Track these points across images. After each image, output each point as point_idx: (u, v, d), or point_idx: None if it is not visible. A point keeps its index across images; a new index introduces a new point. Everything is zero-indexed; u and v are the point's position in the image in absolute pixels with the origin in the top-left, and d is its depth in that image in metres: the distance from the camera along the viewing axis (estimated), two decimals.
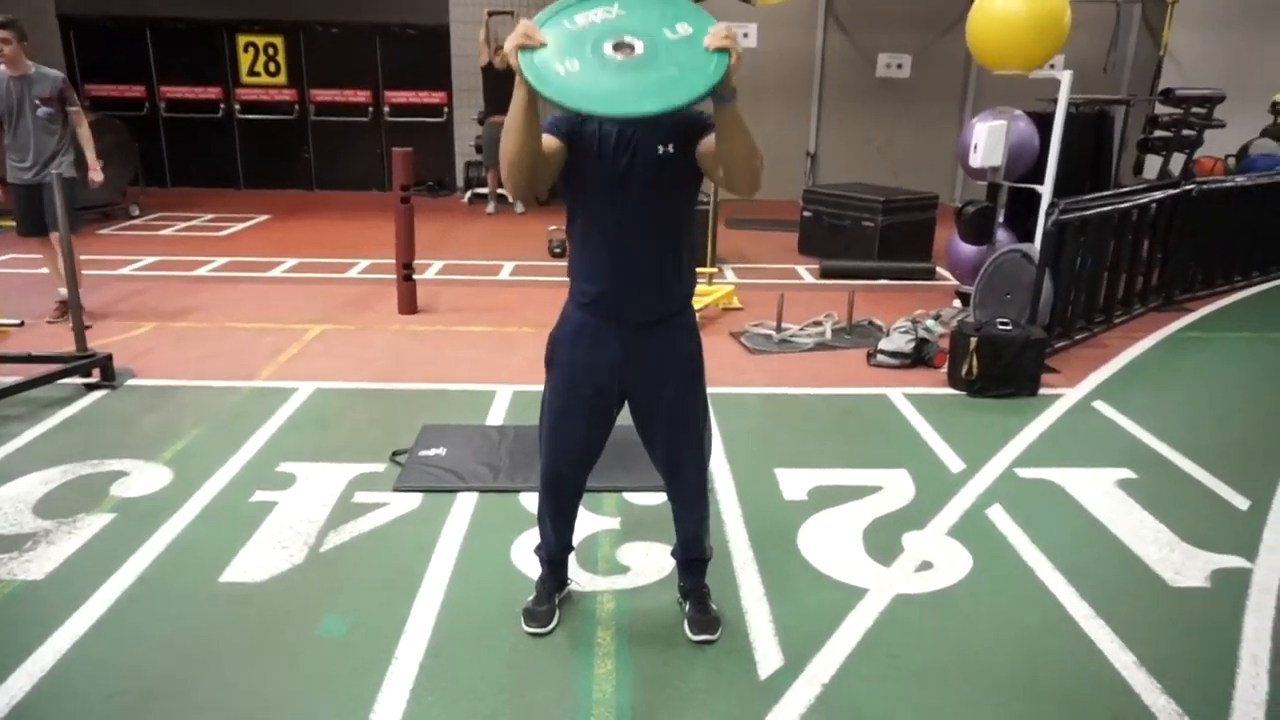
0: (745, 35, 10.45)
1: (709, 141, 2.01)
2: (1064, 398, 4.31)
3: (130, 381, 4.23)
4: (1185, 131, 6.85)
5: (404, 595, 2.58)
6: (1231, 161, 8.18)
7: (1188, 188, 5.88)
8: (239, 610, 2.51)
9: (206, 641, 2.37)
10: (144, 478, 3.27)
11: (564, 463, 2.33)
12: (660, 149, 2.05)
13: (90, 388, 4.10)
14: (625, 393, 2.25)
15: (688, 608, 2.47)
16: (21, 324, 4.90)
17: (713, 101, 1.89)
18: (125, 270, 6.54)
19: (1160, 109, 7.23)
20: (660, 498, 3.12)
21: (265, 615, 2.49)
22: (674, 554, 2.50)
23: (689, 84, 1.80)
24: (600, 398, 2.23)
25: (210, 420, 3.81)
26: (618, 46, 1.86)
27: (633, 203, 2.07)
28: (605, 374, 2.20)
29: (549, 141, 2.02)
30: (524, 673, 2.28)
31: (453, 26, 10.22)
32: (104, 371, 4.16)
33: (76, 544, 2.81)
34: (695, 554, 2.44)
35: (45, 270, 6.28)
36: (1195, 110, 6.80)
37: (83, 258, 5.87)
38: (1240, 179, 6.57)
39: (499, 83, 8.98)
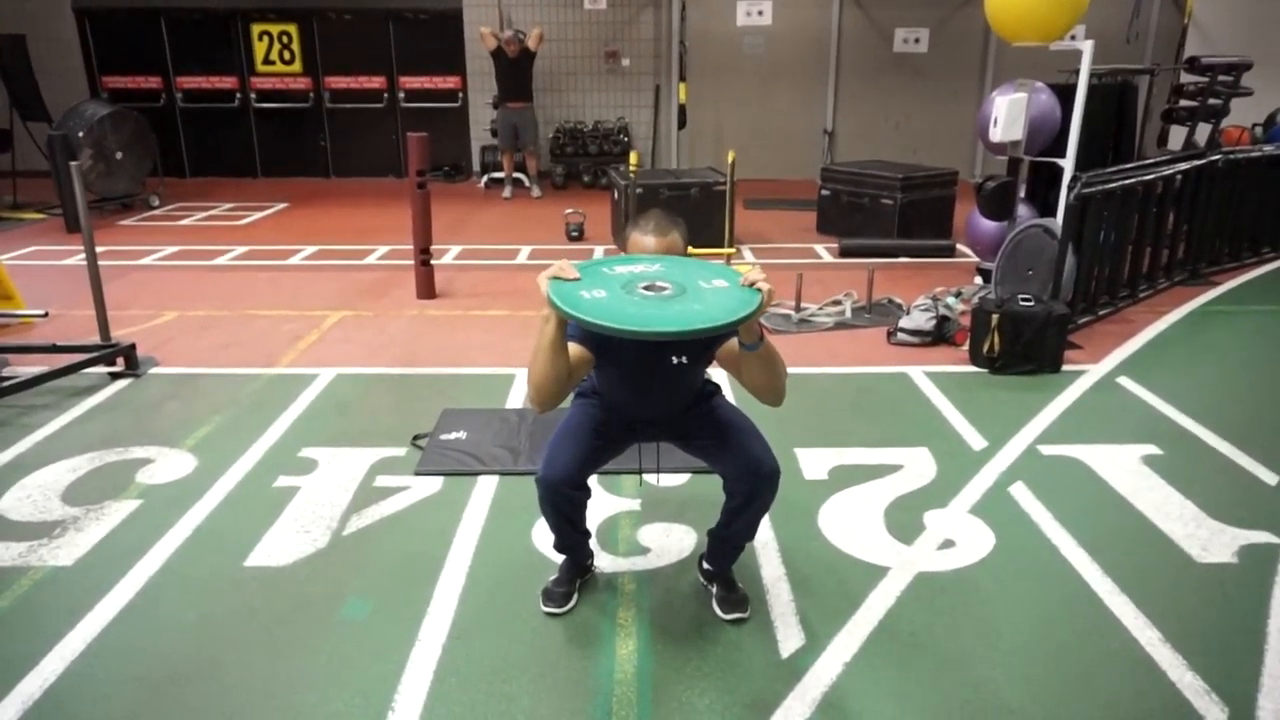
0: (760, 13, 10.36)
1: (730, 347, 2.12)
2: (1087, 374, 4.26)
3: (153, 370, 4.28)
4: (1211, 101, 6.69)
5: (426, 577, 2.60)
6: (1259, 130, 8.01)
7: (1213, 158, 5.77)
8: (264, 594, 2.54)
9: (232, 625, 2.40)
10: (168, 464, 3.31)
11: (556, 470, 2.24)
12: (675, 360, 2.18)
13: (114, 376, 4.15)
14: (652, 436, 2.44)
15: (715, 589, 2.47)
16: (46, 315, 4.96)
17: (739, 346, 2.03)
18: (146, 260, 6.60)
19: (1185, 78, 7.08)
20: (681, 478, 3.13)
21: (289, 598, 2.51)
22: (716, 535, 2.41)
23: (710, 315, 1.84)
24: (613, 429, 2.34)
25: (232, 407, 3.84)
26: (648, 287, 1.95)
27: (653, 388, 2.26)
28: (625, 422, 2.36)
29: (577, 351, 2.10)
30: (546, 653, 2.29)
31: (466, 11, 10.18)
32: (127, 360, 4.21)
33: (104, 530, 2.85)
34: (748, 539, 2.41)
35: (70, 262, 6.38)
36: (1221, 78, 6.64)
37: (104, 249, 5.93)
38: (1268, 148, 6.44)
39: (511, 67, 8.96)
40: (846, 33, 10.54)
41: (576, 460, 2.25)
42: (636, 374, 2.23)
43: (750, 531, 2.37)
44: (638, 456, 2.53)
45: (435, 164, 9.70)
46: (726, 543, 2.41)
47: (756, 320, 1.95)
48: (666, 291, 1.93)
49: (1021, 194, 5.44)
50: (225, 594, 2.54)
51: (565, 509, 2.32)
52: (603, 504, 3.01)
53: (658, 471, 2.62)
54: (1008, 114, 5.12)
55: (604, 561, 2.68)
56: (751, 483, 2.24)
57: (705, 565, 2.53)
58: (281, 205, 8.98)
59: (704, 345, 2.13)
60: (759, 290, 1.92)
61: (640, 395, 2.29)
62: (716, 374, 2.51)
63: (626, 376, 2.26)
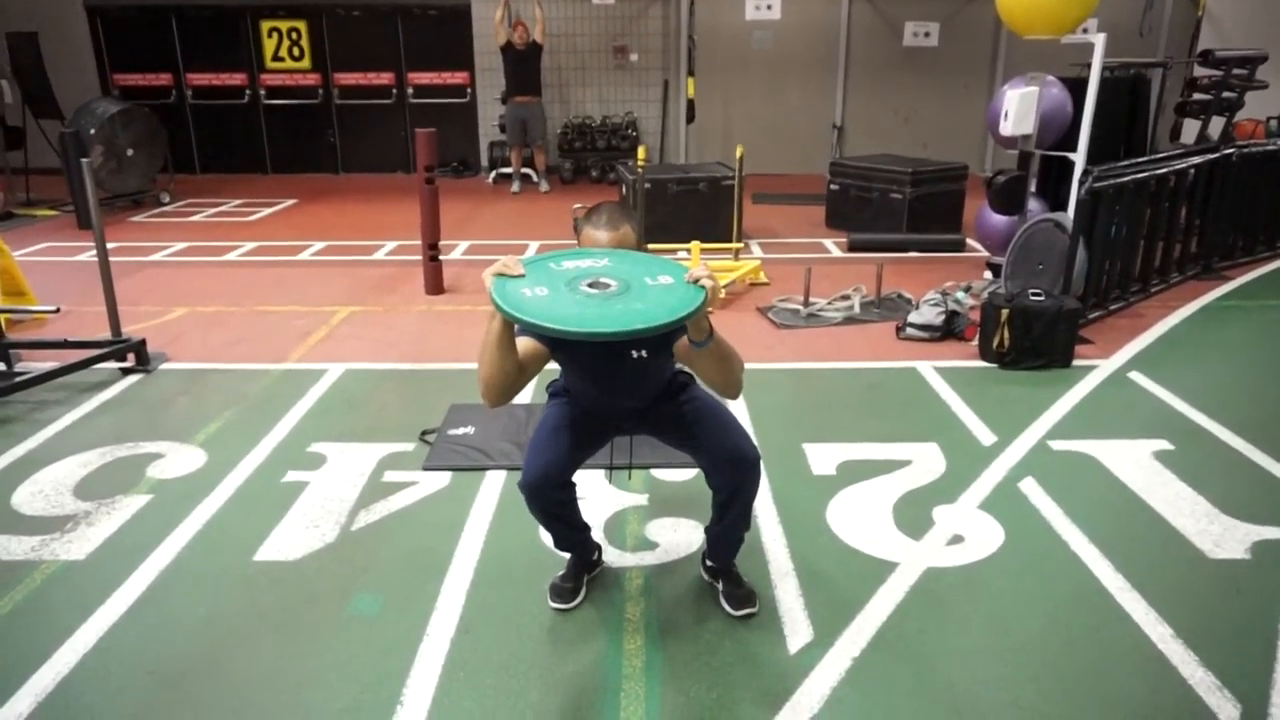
0: (769, 7, 10.31)
1: (684, 342, 2.06)
2: (1098, 369, 4.23)
3: (164, 366, 4.30)
4: (1225, 94, 6.63)
5: (434, 573, 2.60)
6: (1273, 124, 7.94)
7: (1227, 152, 5.72)
8: (273, 588, 2.55)
9: (241, 619, 2.41)
10: (179, 460, 3.32)
11: (533, 474, 2.22)
12: (635, 354, 2.15)
13: (125, 372, 4.18)
14: (628, 430, 2.40)
15: (721, 585, 2.46)
16: (58, 310, 4.98)
17: (689, 343, 1.99)
18: (157, 256, 6.63)
19: (1199, 71, 7.02)
20: (688, 474, 3.13)
21: (298, 593, 2.52)
22: (712, 532, 2.41)
23: (649, 314, 1.79)
24: (588, 426, 2.32)
25: (242, 402, 3.86)
26: (592, 284, 1.91)
27: (618, 383, 2.23)
28: (598, 418, 2.34)
29: (530, 346, 2.09)
30: (554, 648, 2.30)
31: (474, 6, 10.18)
32: (138, 356, 4.23)
33: (115, 525, 2.87)
34: (745, 529, 2.40)
35: (81, 258, 6.41)
36: (1236, 72, 6.58)
37: (115, 245, 5.97)
38: None
39: (519, 62, 8.95)
40: (856, 26, 10.49)
41: (553, 461, 2.23)
42: (598, 370, 2.21)
43: (745, 522, 2.36)
44: (609, 452, 2.48)
45: (444, 160, 9.72)
46: (724, 537, 2.39)
47: (704, 317, 1.92)
48: (610, 289, 1.89)
49: (1032, 188, 5.41)
50: (235, 589, 2.55)
51: (552, 509, 2.31)
52: (610, 499, 3.01)
53: (629, 468, 2.62)
54: (1019, 108, 5.09)
55: (611, 556, 2.68)
56: (733, 473, 2.23)
57: (708, 563, 2.53)
58: (291, 201, 9.01)
59: (662, 339, 2.08)
60: (702, 287, 1.88)
61: (607, 390, 2.27)
62: None
63: (589, 373, 2.24)
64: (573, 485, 2.32)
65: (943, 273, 5.88)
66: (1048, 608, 2.45)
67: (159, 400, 3.92)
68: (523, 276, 1.92)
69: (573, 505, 2.37)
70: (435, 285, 5.57)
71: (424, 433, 3.50)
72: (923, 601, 2.47)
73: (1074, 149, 4.98)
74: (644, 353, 2.15)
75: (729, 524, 2.34)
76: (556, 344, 2.11)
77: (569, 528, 2.41)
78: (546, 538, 2.74)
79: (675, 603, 2.48)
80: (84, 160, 4.34)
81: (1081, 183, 4.60)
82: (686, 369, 2.36)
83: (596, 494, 3.01)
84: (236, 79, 10.56)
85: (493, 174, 10.12)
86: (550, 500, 2.27)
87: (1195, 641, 2.28)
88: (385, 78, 10.58)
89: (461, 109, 10.61)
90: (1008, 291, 4.46)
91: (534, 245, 6.93)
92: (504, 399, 2.06)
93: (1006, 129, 5.18)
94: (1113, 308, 5.05)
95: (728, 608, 2.41)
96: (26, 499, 3.04)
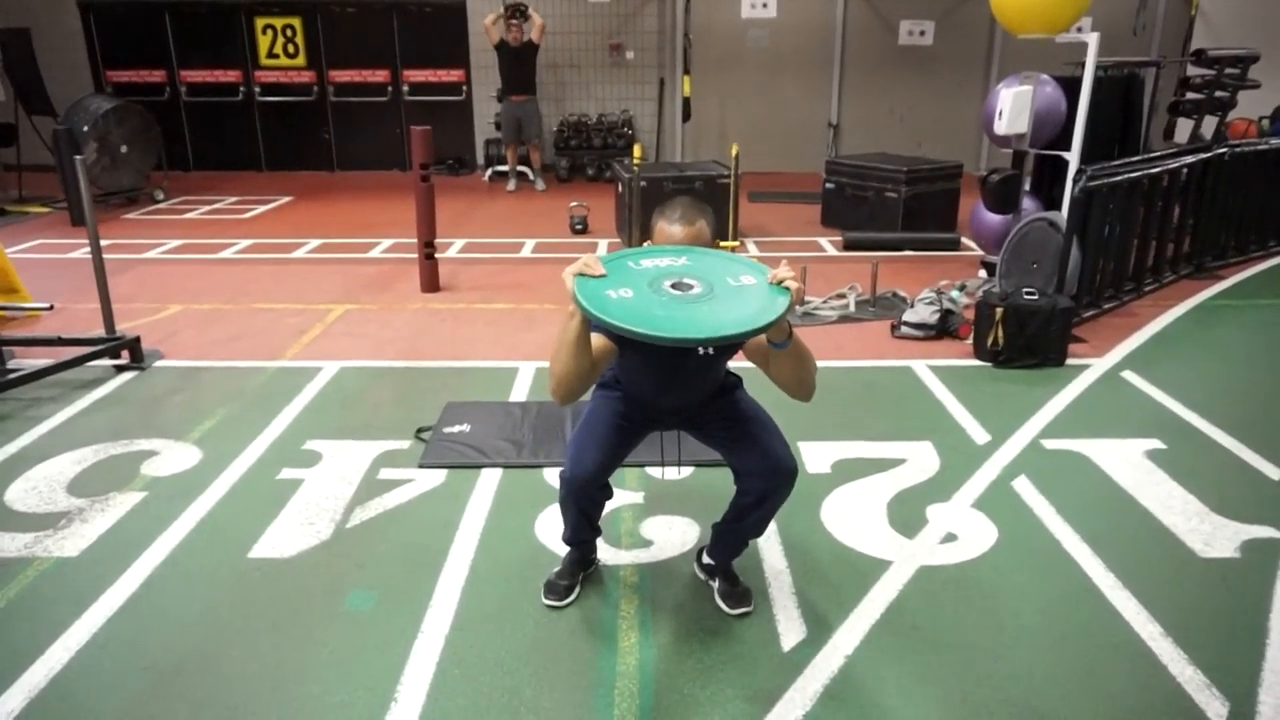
0: (765, 5, 10.31)
1: (759, 342, 2.04)
2: (1091, 368, 4.25)
3: (158, 363, 4.29)
4: (1218, 93, 6.65)
5: (429, 570, 2.61)
6: (1266, 123, 7.96)
7: (1220, 151, 5.74)
8: (267, 586, 2.55)
9: (236, 616, 2.41)
10: (173, 457, 3.32)
11: (584, 469, 2.23)
12: (702, 351, 2.14)
13: (119, 369, 4.17)
14: (672, 425, 2.40)
15: (717, 583, 2.47)
16: (51, 307, 4.98)
17: (768, 344, 1.98)
18: (151, 254, 6.61)
19: (1192, 70, 7.04)
20: (683, 472, 3.13)
21: (293, 590, 2.53)
22: (723, 530, 2.40)
23: (738, 320, 1.80)
24: (634, 421, 2.32)
25: (237, 400, 3.85)
26: (676, 285, 1.90)
27: (676, 380, 2.23)
28: (645, 413, 2.33)
29: (600, 343, 2.05)
30: (548, 645, 2.30)
31: (470, 3, 10.16)
32: (132, 353, 4.22)
33: (109, 522, 2.87)
34: (757, 536, 2.41)
35: (75, 255, 6.39)
36: (1228, 71, 6.60)
37: (109, 242, 5.95)
38: (1275, 141, 6.40)
39: (514, 60, 8.93)
40: (851, 25, 10.50)
41: (604, 459, 2.23)
42: (661, 366, 2.20)
43: (760, 529, 2.36)
44: (659, 449, 2.49)
45: (439, 157, 9.70)
46: (734, 537, 2.39)
47: (786, 319, 1.91)
48: (694, 290, 1.88)
49: (1026, 187, 5.43)
50: (229, 586, 2.55)
51: (587, 507, 2.33)
52: None
53: (679, 464, 2.61)
54: (1013, 106, 5.10)
55: (606, 554, 2.68)
56: (769, 480, 2.22)
57: (705, 560, 2.53)
58: (286, 199, 8.99)
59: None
60: (787, 289, 1.88)
61: (663, 386, 2.26)
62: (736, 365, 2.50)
63: (651, 368, 2.22)
64: (610, 487, 2.34)
65: (937, 271, 5.89)
66: (1040, 605, 2.47)
67: (153, 397, 3.91)
68: (604, 277, 1.90)
69: (603, 506, 2.39)
70: (431, 283, 5.57)
71: (419, 430, 3.50)
72: (916, 599, 2.48)
73: (1068, 148, 5.00)
74: (711, 350, 2.14)
75: (745, 527, 2.34)
76: (627, 341, 2.06)
77: (589, 526, 2.41)
78: (542, 533, 2.76)
79: (669, 600, 2.48)
80: (77, 157, 4.33)
81: (1075, 181, 4.62)
82: (735, 374, 2.40)
83: None
84: (231, 76, 10.52)
85: (488, 172, 10.11)
86: (588, 498, 2.29)
87: (1184, 639, 2.30)
88: (380, 75, 10.55)
89: (457, 106, 10.59)
90: (1002, 290, 4.48)
91: (530, 243, 6.93)
92: (576, 397, 2.04)
93: (1001, 128, 5.20)
94: (1106, 307, 5.07)
95: (723, 606, 2.42)
96: (20, 495, 3.03)
